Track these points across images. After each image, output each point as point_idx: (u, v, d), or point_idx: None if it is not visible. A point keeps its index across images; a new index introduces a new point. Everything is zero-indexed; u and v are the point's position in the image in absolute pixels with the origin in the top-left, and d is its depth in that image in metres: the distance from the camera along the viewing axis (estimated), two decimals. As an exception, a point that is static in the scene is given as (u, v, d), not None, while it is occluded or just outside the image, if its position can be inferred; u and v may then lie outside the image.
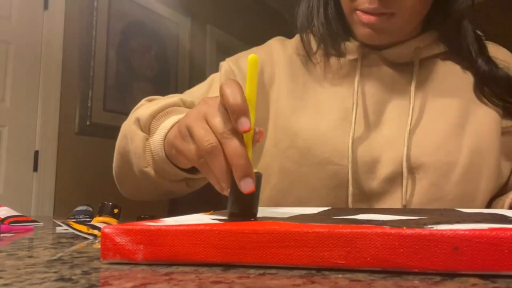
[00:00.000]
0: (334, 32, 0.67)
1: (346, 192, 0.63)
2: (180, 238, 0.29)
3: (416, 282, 0.24)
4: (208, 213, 0.45)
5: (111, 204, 0.59)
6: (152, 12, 2.79)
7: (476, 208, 0.62)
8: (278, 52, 0.73)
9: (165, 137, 0.53)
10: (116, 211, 0.59)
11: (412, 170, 0.61)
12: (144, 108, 0.62)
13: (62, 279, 0.26)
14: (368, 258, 0.26)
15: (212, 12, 3.33)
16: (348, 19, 0.65)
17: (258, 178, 0.37)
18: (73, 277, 0.26)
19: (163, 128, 0.54)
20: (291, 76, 0.70)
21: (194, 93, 0.73)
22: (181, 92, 0.77)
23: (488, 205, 0.67)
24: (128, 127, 0.60)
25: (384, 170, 0.62)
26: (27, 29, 2.15)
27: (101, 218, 0.57)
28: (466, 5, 0.63)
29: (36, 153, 2.16)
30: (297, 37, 0.74)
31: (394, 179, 0.62)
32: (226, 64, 0.73)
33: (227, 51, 3.60)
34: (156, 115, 0.59)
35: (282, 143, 0.67)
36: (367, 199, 0.63)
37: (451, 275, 0.25)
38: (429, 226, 0.27)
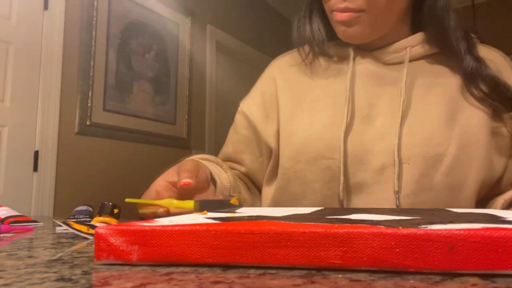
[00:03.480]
0: (322, 37, 0.73)
1: (338, 185, 0.65)
2: (175, 239, 0.29)
3: (416, 282, 0.24)
4: (202, 213, 0.45)
5: (111, 204, 0.59)
6: (152, 12, 2.79)
7: (466, 198, 0.63)
8: (276, 72, 0.80)
9: None
10: (116, 211, 0.59)
11: (403, 161, 0.63)
12: None
13: (62, 279, 0.26)
14: (365, 258, 0.26)
15: (212, 12, 3.33)
16: (330, 21, 0.70)
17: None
18: (73, 277, 0.26)
19: None
20: (289, 88, 0.76)
21: (228, 141, 0.83)
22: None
23: (485, 204, 0.68)
24: None
25: (376, 161, 0.64)
26: (27, 29, 2.15)
27: (101, 218, 0.57)
28: (446, 4, 0.66)
29: (36, 153, 2.16)
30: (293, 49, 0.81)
31: (385, 170, 0.64)
32: (239, 109, 0.82)
33: (227, 51, 3.59)
34: None
35: (281, 144, 0.72)
36: (359, 190, 0.65)
37: (451, 275, 0.25)
38: (423, 226, 0.27)
